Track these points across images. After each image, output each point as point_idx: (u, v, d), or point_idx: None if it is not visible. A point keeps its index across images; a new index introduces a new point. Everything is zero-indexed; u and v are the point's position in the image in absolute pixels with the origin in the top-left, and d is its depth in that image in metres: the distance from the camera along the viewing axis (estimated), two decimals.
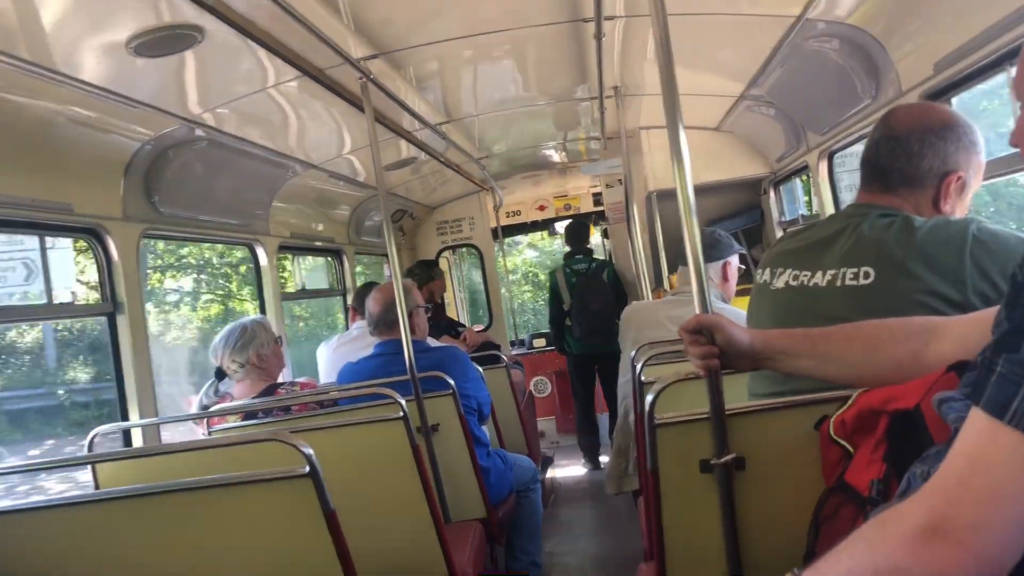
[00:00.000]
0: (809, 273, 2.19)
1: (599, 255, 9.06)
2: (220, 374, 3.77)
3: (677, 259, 4.19)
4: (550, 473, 7.53)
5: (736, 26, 3.73)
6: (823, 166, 4.61)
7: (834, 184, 4.64)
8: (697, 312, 1.96)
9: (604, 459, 7.87)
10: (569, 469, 8.05)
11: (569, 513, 6.61)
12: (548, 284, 8.08)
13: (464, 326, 7.22)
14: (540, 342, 9.34)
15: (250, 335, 3.73)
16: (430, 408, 3.67)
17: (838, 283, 2.11)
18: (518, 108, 5.51)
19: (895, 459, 1.66)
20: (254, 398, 3.68)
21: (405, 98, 4.31)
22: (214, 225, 4.41)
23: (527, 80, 4.93)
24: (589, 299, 7.60)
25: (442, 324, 6.55)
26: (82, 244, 3.52)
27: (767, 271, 2.37)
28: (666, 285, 5.61)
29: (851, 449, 1.82)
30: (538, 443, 6.40)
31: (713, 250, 3.99)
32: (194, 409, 3.77)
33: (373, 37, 3.52)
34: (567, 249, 8.00)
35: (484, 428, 4.34)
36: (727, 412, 1.97)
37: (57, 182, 3.17)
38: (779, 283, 2.28)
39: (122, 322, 3.49)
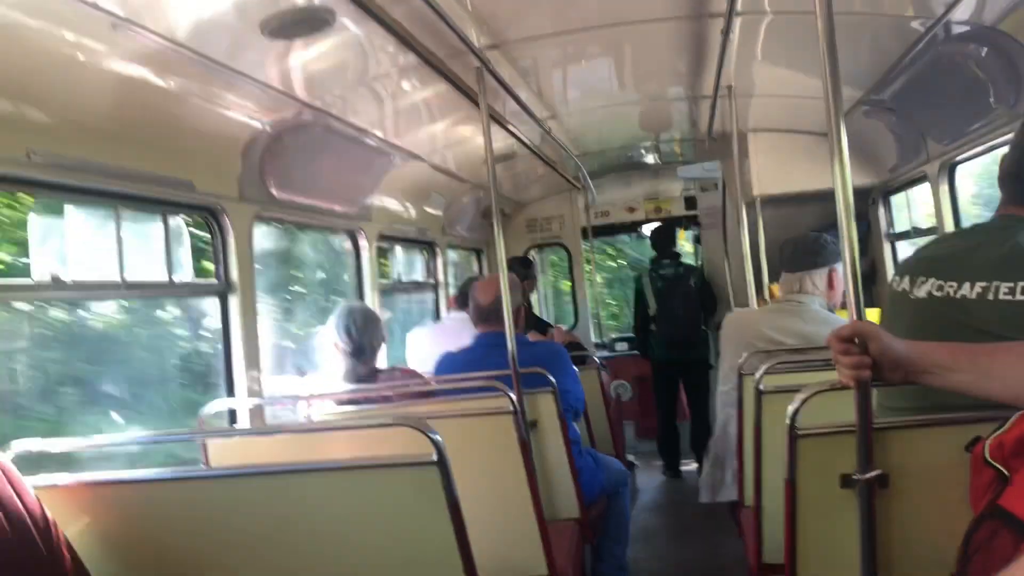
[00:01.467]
0: (955, 284, 2.07)
1: (689, 260, 8.93)
2: (359, 353, 3.79)
3: (780, 266, 4.02)
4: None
5: (868, 27, 3.59)
6: (944, 177, 4.41)
7: (955, 196, 4.44)
8: (853, 319, 1.87)
9: (684, 468, 7.77)
10: (649, 474, 7.95)
11: (651, 519, 6.52)
12: (634, 288, 8.00)
13: (550, 324, 7.18)
14: (622, 346, 9.24)
15: (376, 319, 3.78)
16: (529, 404, 3.63)
17: (990, 296, 1.99)
18: (624, 106, 5.44)
19: None
20: (358, 382, 3.71)
21: (515, 89, 4.27)
22: (321, 211, 4.45)
23: (636, 77, 4.86)
24: (675, 305, 7.50)
25: (530, 319, 6.52)
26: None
27: (906, 279, 2.25)
28: (766, 294, 5.47)
29: (1007, 473, 1.71)
30: (624, 446, 6.32)
31: (819, 256, 3.83)
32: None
33: (491, 26, 3.50)
34: (653, 253, 7.92)
35: (575, 426, 4.29)
36: (873, 426, 1.88)
37: (179, 159, 3.22)
38: (921, 292, 2.17)
39: (233, 302, 3.53)
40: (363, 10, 2.67)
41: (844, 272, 1.91)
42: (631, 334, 8.46)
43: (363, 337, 3.77)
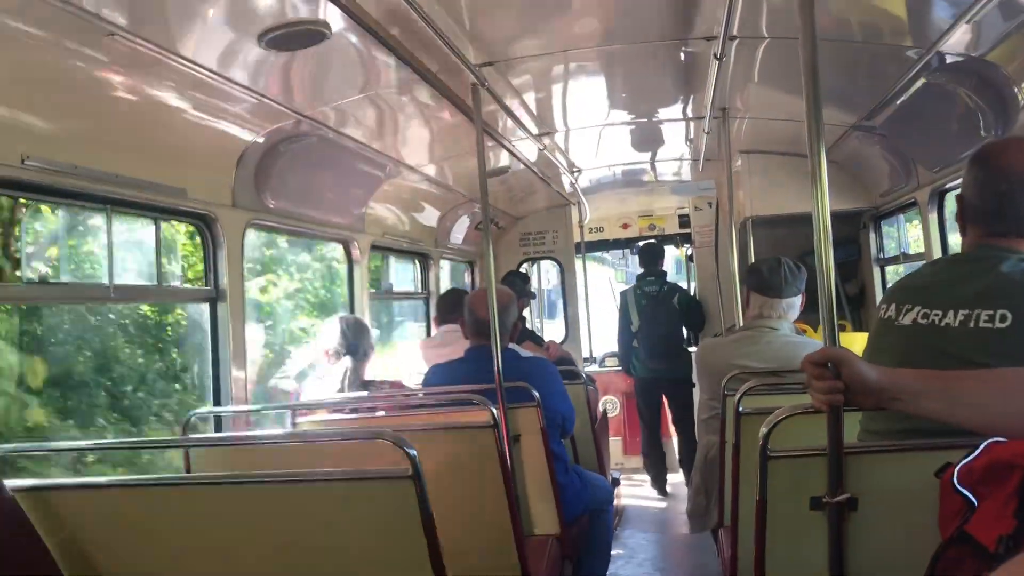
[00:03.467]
0: (940, 312, 2.11)
1: (681, 278, 8.96)
2: (354, 351, 3.84)
3: (758, 290, 3.92)
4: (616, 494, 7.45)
5: (862, 54, 3.63)
6: (934, 204, 4.45)
7: (943, 223, 4.48)
8: (824, 345, 1.89)
9: (671, 483, 7.79)
10: (634, 491, 7.95)
11: (634, 537, 6.51)
12: (619, 305, 8.03)
13: (542, 339, 7.19)
14: (612, 361, 9.25)
15: (366, 327, 3.83)
16: (513, 419, 3.65)
17: (971, 324, 2.02)
18: (618, 124, 5.48)
19: None
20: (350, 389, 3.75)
21: (511, 106, 4.31)
22: (314, 220, 4.48)
23: (632, 96, 4.90)
24: (657, 322, 7.55)
25: (525, 333, 6.53)
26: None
27: (892, 306, 2.28)
28: None
29: (974, 500, 1.74)
30: (609, 463, 6.33)
31: (800, 282, 3.82)
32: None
33: (487, 44, 3.54)
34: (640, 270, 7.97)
35: (562, 443, 4.29)
36: (845, 451, 1.91)
37: (173, 167, 3.26)
38: (906, 319, 2.19)
39: (222, 309, 3.55)
40: (359, 24, 2.71)
41: (820, 298, 1.93)
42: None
43: (356, 339, 3.83)
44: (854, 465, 1.93)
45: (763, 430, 1.99)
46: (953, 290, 2.11)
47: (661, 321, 7.55)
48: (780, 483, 2.01)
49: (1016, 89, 3.14)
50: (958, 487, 1.76)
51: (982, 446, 1.74)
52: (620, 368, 8.59)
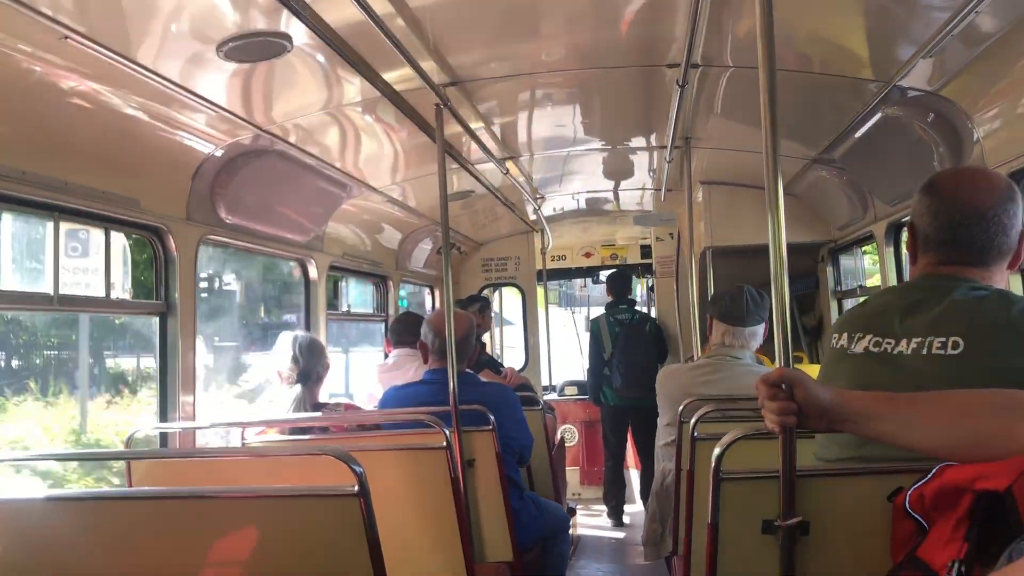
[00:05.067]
0: (892, 340, 2.11)
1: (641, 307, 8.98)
2: (305, 379, 3.74)
3: (721, 319, 3.93)
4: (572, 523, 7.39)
5: (823, 87, 3.68)
6: (890, 237, 4.51)
7: (899, 256, 4.54)
8: (777, 367, 1.88)
9: (628, 512, 7.74)
10: (591, 521, 7.90)
11: (589, 567, 6.47)
12: (589, 332, 8.03)
13: (502, 365, 7.14)
14: (571, 390, 9.21)
15: (321, 348, 3.75)
16: (468, 443, 3.60)
17: (924, 351, 2.02)
18: (581, 150, 5.50)
19: (978, 539, 1.57)
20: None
21: (474, 128, 4.30)
22: (271, 237, 4.42)
23: (595, 122, 4.92)
24: (632, 350, 7.53)
25: (483, 359, 6.48)
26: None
27: (844, 336, 2.27)
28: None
29: (926, 525, 1.73)
30: (565, 491, 6.28)
31: (765, 311, 3.85)
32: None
33: (451, 64, 3.53)
34: (608, 299, 7.98)
35: (518, 469, 4.24)
36: (797, 474, 1.89)
37: (127, 177, 3.20)
38: (858, 348, 2.19)
39: (172, 323, 3.48)
40: (320, 37, 2.68)
41: (774, 323, 1.93)
42: (580, 378, 8.45)
43: (308, 363, 3.75)
44: (806, 489, 1.92)
45: (716, 451, 1.97)
46: (905, 318, 2.11)
47: (639, 349, 7.54)
48: (733, 506, 1.99)
49: (970, 123, 3.20)
50: (910, 511, 1.76)
51: (934, 470, 1.73)
52: (580, 397, 8.56)
